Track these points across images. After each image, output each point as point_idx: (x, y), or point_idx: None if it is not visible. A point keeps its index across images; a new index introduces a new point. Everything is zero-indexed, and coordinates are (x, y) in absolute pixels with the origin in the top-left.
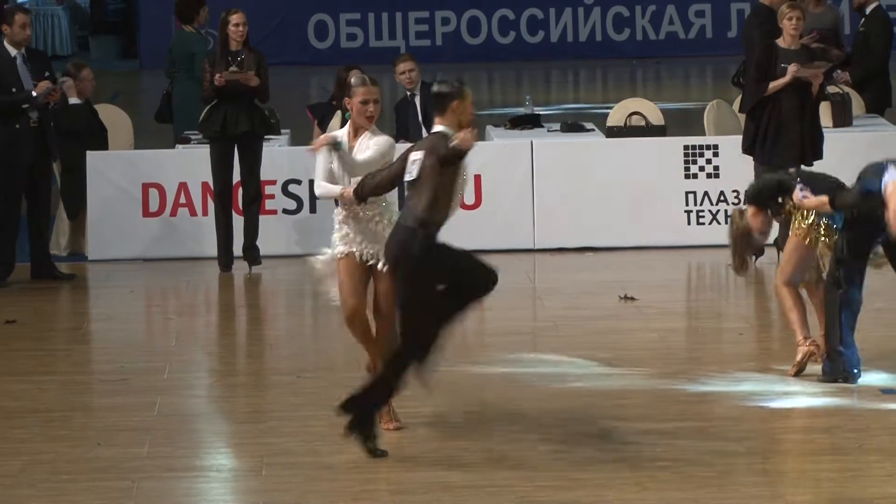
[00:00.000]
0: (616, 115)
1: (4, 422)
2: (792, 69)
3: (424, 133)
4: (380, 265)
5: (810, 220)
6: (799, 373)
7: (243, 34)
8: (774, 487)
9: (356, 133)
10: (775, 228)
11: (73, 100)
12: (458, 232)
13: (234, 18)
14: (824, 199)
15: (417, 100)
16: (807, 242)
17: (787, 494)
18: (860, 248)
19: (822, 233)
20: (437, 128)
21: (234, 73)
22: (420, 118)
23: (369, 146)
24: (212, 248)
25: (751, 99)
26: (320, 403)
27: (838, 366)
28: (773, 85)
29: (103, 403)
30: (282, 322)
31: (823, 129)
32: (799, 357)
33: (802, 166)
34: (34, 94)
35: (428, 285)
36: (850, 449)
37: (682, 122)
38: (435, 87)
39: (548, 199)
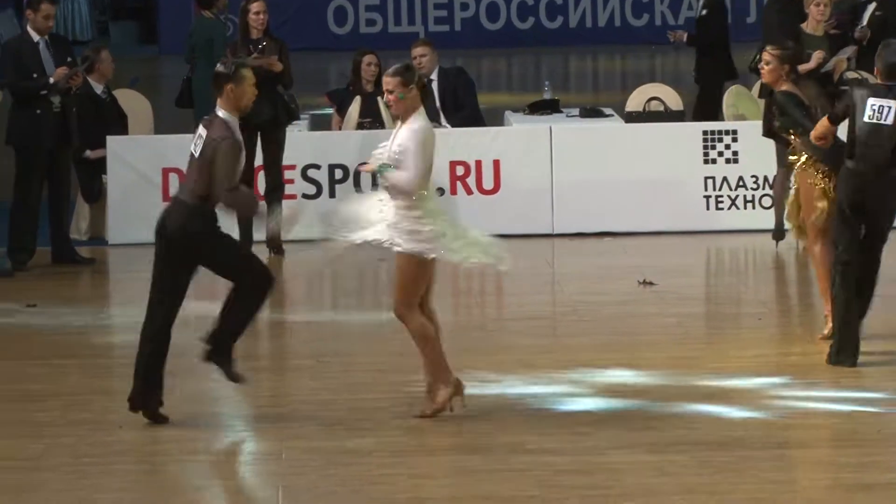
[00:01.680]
0: (635, 101)
1: (26, 405)
2: (817, 56)
3: (443, 118)
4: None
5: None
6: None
7: (264, 22)
8: (792, 473)
9: (394, 121)
10: None
11: (97, 86)
12: (477, 217)
13: (255, 7)
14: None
15: (434, 85)
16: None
17: (805, 480)
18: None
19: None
20: (219, 111)
21: (258, 59)
22: (437, 103)
23: (397, 136)
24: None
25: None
26: (340, 388)
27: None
28: (800, 69)
29: (124, 387)
30: (302, 306)
31: None
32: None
33: None
34: (52, 80)
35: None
36: (869, 435)
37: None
38: (217, 66)
39: (566, 185)
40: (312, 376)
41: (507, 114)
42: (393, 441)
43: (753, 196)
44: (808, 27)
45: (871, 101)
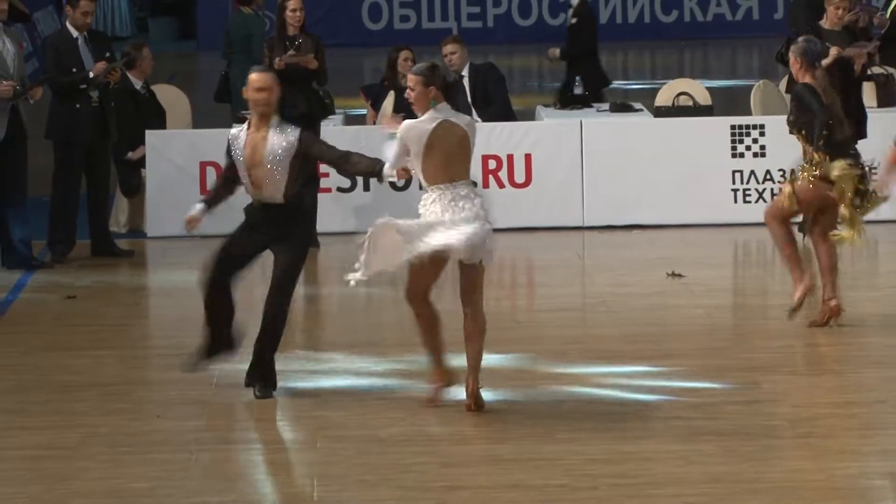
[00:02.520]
0: (664, 96)
1: (64, 395)
2: (833, 52)
3: (474, 113)
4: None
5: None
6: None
7: (300, 19)
8: (818, 461)
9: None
10: None
11: (136, 82)
12: (508, 210)
13: (291, 4)
14: None
15: (466, 81)
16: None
17: (831, 468)
18: None
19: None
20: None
21: (293, 57)
22: (469, 98)
23: None
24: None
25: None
26: (372, 378)
27: None
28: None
29: (161, 377)
30: (335, 298)
31: (867, 109)
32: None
33: None
34: (91, 75)
35: None
36: (895, 424)
37: (728, 103)
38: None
39: (597, 178)
40: (344, 367)
41: (539, 108)
42: (425, 430)
43: (780, 189)
44: (826, 23)
45: None
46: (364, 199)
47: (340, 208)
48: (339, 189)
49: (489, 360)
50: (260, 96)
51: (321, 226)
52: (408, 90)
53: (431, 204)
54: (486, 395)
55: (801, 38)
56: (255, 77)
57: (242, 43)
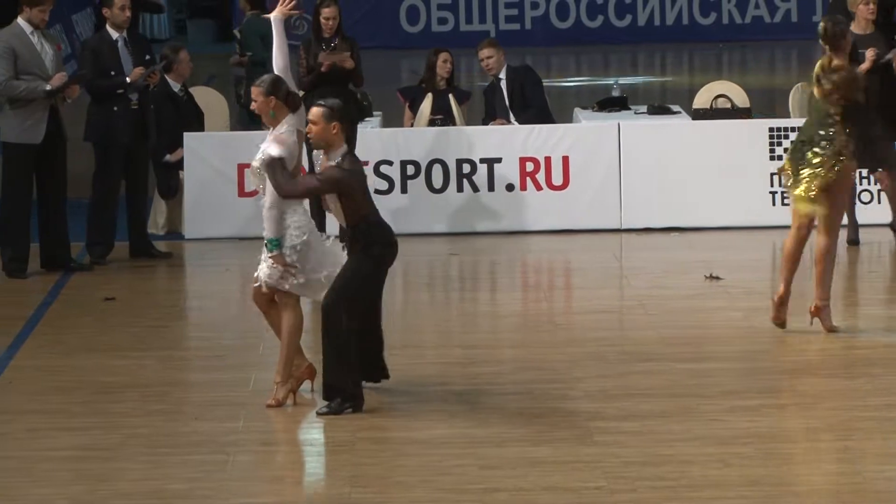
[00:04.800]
0: (702, 98)
1: (103, 396)
2: (870, 55)
3: (512, 116)
4: None
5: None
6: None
7: (333, 28)
8: (856, 465)
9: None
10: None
11: (174, 85)
12: (546, 212)
13: (326, 13)
14: None
15: (503, 84)
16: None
17: (869, 472)
18: None
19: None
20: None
21: (332, 55)
22: (507, 102)
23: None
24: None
25: None
26: (410, 380)
27: None
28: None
29: (199, 379)
30: None
31: None
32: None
33: None
34: (129, 79)
35: None
36: None
37: (767, 105)
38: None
39: (634, 180)
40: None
41: (576, 111)
42: (462, 432)
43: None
44: (856, 28)
45: None
46: (401, 201)
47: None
48: (377, 191)
49: (527, 362)
50: (308, 129)
51: None
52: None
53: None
54: (522, 398)
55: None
56: (311, 110)
57: (258, 45)
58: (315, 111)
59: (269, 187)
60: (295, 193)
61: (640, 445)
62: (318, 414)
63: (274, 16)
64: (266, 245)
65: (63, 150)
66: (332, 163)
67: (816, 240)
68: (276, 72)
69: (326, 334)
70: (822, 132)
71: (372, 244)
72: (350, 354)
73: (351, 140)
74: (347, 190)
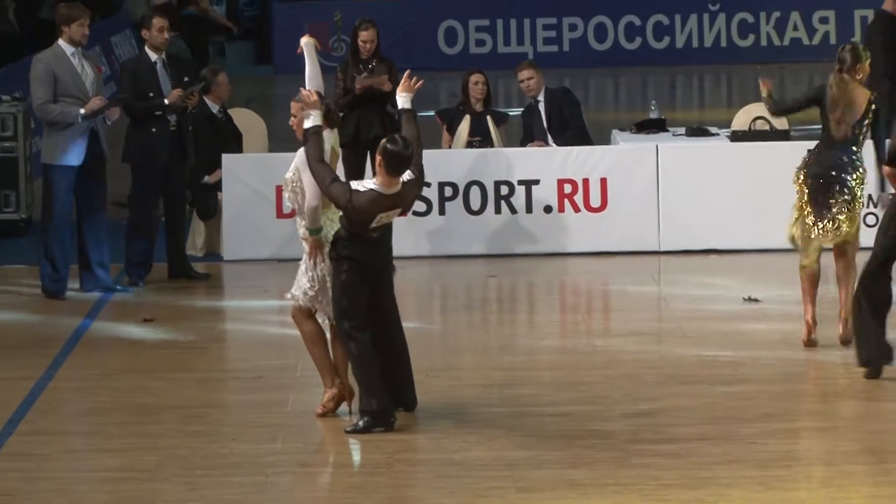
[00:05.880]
0: (740, 120)
1: (142, 417)
2: None
3: (550, 138)
4: None
5: None
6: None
7: (371, 50)
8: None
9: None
10: None
11: (213, 106)
12: (584, 234)
13: (364, 35)
14: None
15: (541, 105)
16: None
17: None
18: None
19: None
20: None
21: (368, 79)
22: (545, 124)
23: (298, 156)
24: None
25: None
26: (448, 402)
27: None
28: None
29: (237, 400)
30: (411, 322)
31: None
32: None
33: None
34: (167, 101)
35: None
36: None
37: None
38: None
39: (673, 202)
40: (421, 390)
41: (615, 132)
42: (500, 454)
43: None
44: None
45: None
46: (439, 223)
47: (415, 232)
48: (414, 213)
49: (565, 384)
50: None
51: (396, 249)
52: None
53: None
54: (563, 419)
55: None
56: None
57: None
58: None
59: (309, 183)
60: (317, 175)
61: (678, 468)
62: (346, 432)
63: (304, 41)
64: (309, 231)
65: (103, 171)
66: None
67: (839, 260)
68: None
69: (349, 360)
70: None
71: (342, 257)
72: (368, 374)
73: (359, 170)
74: (357, 207)
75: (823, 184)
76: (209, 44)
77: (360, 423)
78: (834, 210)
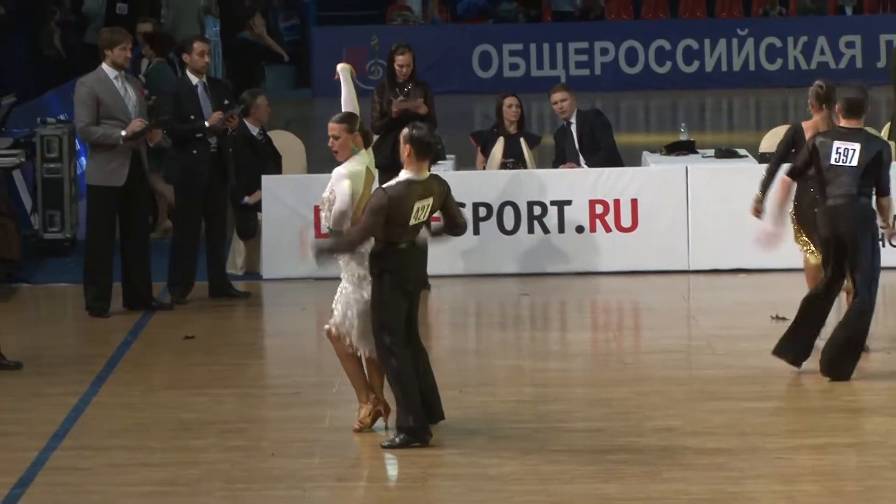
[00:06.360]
0: (768, 142)
1: (183, 433)
2: None
3: (581, 159)
4: None
5: None
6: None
7: (407, 73)
8: None
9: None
10: None
11: (253, 128)
12: (615, 254)
13: (400, 60)
14: None
15: (573, 127)
16: None
17: None
18: None
19: None
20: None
21: (404, 102)
22: (577, 145)
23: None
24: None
25: None
26: (483, 417)
27: None
28: None
29: (276, 416)
30: (446, 339)
31: None
32: None
33: None
34: (207, 124)
35: None
36: None
37: None
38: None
39: (702, 222)
40: (455, 406)
41: (645, 154)
42: (533, 468)
43: (883, 234)
44: None
45: (836, 144)
46: (473, 243)
47: (449, 251)
48: None
49: (596, 400)
50: (330, 143)
51: (431, 268)
52: (330, 139)
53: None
54: (594, 435)
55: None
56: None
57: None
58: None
59: (340, 193)
60: (360, 239)
61: (707, 483)
62: (382, 447)
63: (340, 67)
64: (329, 230)
65: (145, 191)
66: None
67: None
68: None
69: (385, 373)
70: None
71: (385, 267)
72: (407, 391)
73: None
74: (391, 214)
75: None
76: (262, 69)
77: (398, 439)
78: None
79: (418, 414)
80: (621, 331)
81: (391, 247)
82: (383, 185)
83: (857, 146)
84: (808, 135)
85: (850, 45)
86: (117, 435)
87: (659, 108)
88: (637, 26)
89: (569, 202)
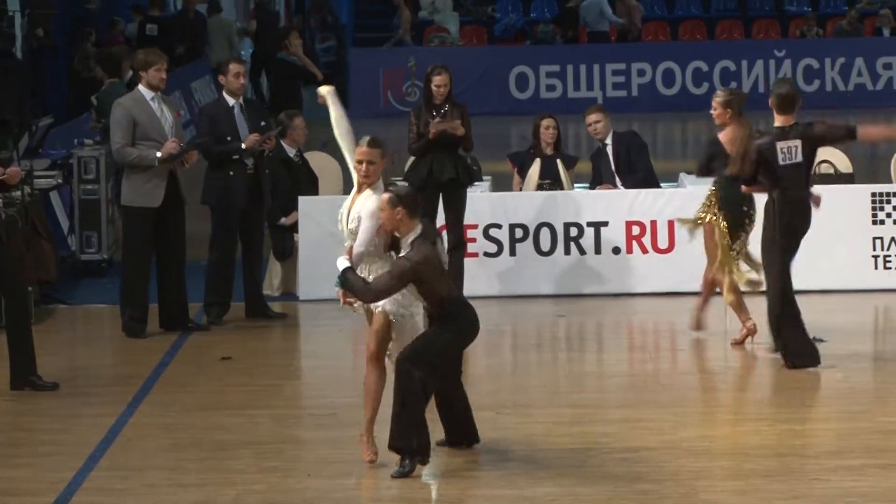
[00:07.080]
0: None
1: (220, 453)
2: None
3: (618, 180)
4: None
5: None
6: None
7: (444, 94)
8: None
9: (360, 188)
10: None
11: (289, 150)
12: (651, 275)
13: (437, 80)
14: None
15: (609, 149)
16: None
17: None
18: None
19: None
20: None
21: (441, 123)
22: (612, 166)
23: (364, 206)
24: None
25: None
26: (519, 439)
27: None
28: None
29: (313, 436)
30: (481, 360)
31: None
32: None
33: None
34: (244, 146)
35: None
36: None
37: (869, 170)
38: None
39: None
40: (492, 427)
41: (682, 175)
42: (569, 490)
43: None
44: None
45: (779, 145)
46: (510, 264)
47: (486, 272)
48: (486, 254)
49: (633, 422)
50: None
51: (467, 290)
52: (363, 164)
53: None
54: (631, 456)
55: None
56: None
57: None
58: (381, 198)
59: (364, 230)
60: (380, 296)
61: None
62: (392, 477)
63: (324, 90)
64: (338, 279)
65: (181, 212)
66: (403, 252)
67: None
68: (342, 134)
69: (397, 390)
70: None
71: (456, 317)
72: (417, 410)
73: (431, 213)
74: (420, 278)
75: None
76: (300, 89)
77: (406, 466)
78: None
79: (421, 434)
80: (658, 352)
81: (455, 300)
82: (400, 255)
83: (798, 143)
84: (728, 147)
85: (887, 66)
86: (154, 456)
87: (696, 130)
88: (674, 47)
89: (605, 223)
